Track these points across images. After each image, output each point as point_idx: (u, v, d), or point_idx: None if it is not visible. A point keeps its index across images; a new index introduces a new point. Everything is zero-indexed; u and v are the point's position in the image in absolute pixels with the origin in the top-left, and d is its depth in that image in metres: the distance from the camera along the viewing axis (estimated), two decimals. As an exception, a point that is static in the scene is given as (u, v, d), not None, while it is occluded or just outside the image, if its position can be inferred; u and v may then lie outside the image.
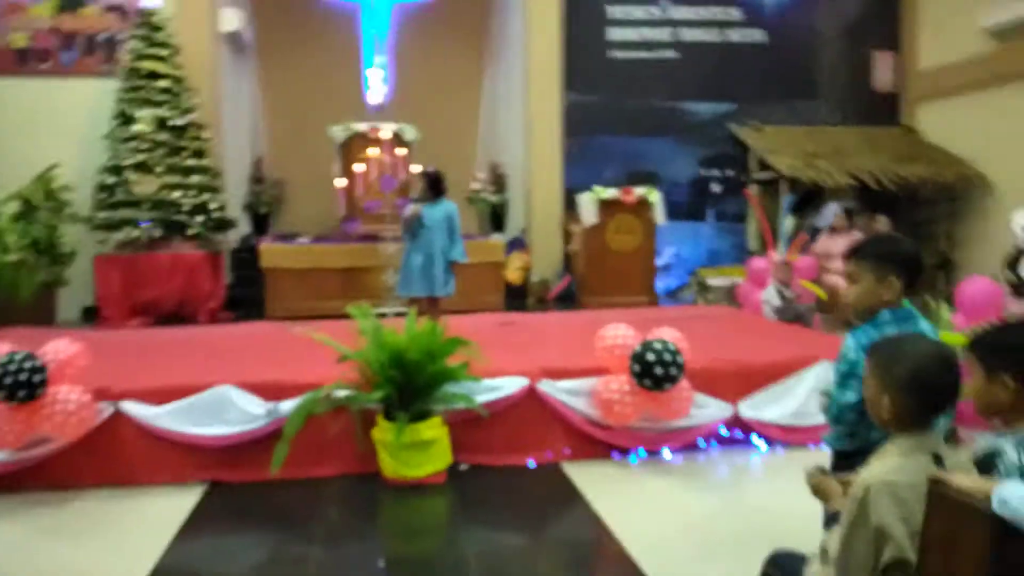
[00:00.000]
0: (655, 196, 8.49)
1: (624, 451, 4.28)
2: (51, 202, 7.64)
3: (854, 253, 2.21)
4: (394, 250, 6.10)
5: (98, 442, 3.94)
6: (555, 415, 4.27)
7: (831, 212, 8.31)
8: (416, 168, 8.35)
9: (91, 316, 8.27)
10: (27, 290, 7.03)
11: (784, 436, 4.41)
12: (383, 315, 7.11)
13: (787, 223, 7.23)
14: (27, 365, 3.70)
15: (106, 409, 3.98)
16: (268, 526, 3.50)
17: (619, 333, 4.26)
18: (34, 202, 7.42)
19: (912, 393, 1.62)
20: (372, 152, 8.59)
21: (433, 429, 3.88)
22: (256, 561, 3.16)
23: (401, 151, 8.79)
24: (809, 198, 9.15)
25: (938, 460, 1.59)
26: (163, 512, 3.57)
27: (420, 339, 3.90)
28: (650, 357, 3.99)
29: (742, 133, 9.90)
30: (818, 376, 4.50)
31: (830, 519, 1.76)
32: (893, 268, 2.13)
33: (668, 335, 4.19)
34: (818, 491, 1.87)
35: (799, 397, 4.45)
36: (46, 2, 8.58)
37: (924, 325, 2.15)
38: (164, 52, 8.09)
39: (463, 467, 4.11)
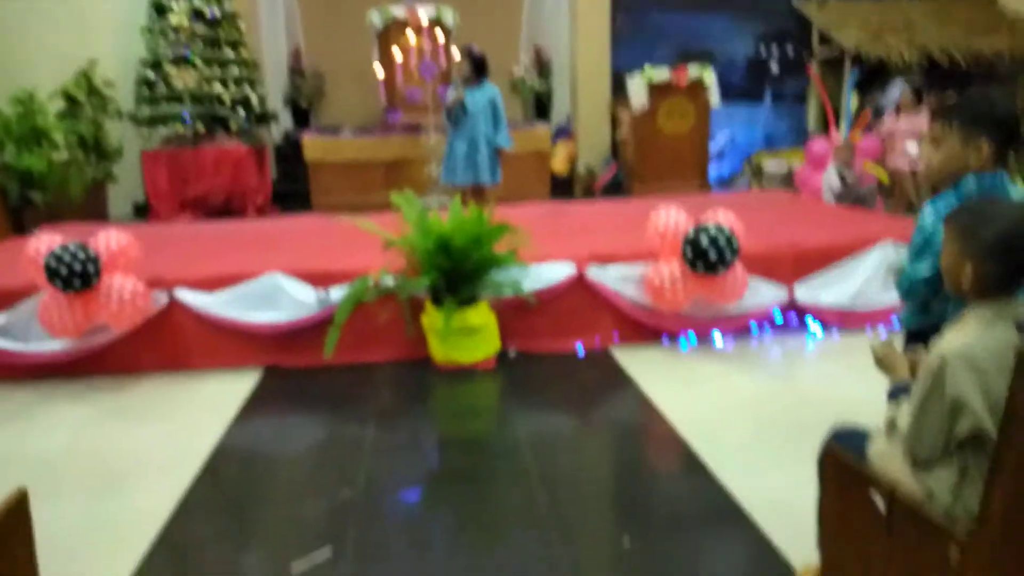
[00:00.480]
0: (709, 77, 8.04)
1: (674, 336, 4.22)
2: (94, 98, 7.60)
3: (940, 113, 2.00)
4: (436, 141, 5.95)
5: (156, 330, 4.04)
6: (604, 301, 4.21)
7: (897, 90, 7.78)
8: (457, 52, 8.06)
9: (142, 212, 8.40)
10: (77, 187, 7.12)
11: (841, 320, 4.29)
12: (428, 207, 7.06)
13: (850, 102, 6.80)
14: (80, 255, 3.74)
15: (161, 298, 4.05)
16: (323, 408, 3.57)
17: (671, 217, 4.11)
18: (78, 98, 7.40)
19: (997, 258, 1.48)
20: (411, 38, 8.27)
21: (481, 315, 3.86)
22: (312, 441, 3.24)
23: (441, 36, 8.44)
24: (874, 75, 8.58)
25: (1021, 329, 1.46)
26: (222, 395, 3.67)
27: (466, 225, 3.82)
28: (703, 241, 3.85)
29: (804, 7, 9.23)
30: (880, 258, 4.32)
31: (894, 392, 1.67)
32: (983, 131, 1.92)
33: (723, 218, 4.03)
34: (883, 362, 1.77)
35: (858, 280, 4.29)
36: None
37: (1016, 193, 1.97)
38: (197, -61, 7.79)
39: (512, 353, 4.11)
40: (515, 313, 4.11)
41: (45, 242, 3.87)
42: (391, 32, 8.62)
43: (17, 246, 4.60)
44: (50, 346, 3.89)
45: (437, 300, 3.84)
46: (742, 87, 9.55)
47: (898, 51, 8.42)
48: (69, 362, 3.93)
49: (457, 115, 5.23)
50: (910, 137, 7.42)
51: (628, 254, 4.28)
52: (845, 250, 4.39)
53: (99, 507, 2.69)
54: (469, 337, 3.83)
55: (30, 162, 6.69)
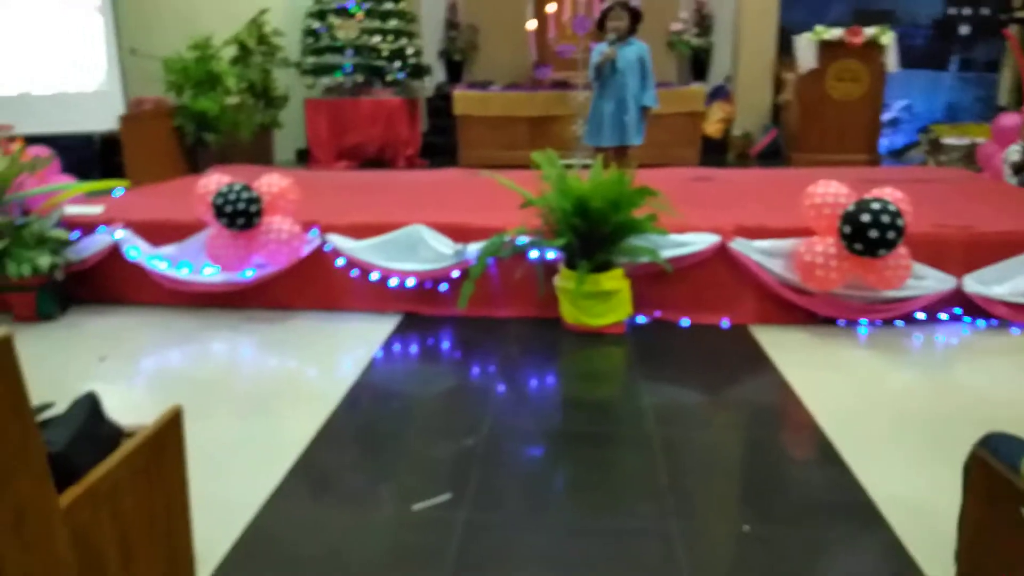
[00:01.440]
0: (888, 37, 7.36)
1: (823, 319, 3.97)
2: (264, 47, 8.06)
3: None
4: (585, 97, 5.85)
5: (309, 270, 4.29)
6: (748, 276, 4.01)
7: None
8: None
9: (303, 157, 8.90)
10: (247, 130, 7.63)
11: (1013, 315, 3.86)
12: (570, 166, 7.02)
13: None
14: (245, 196, 4.02)
15: (314, 240, 4.28)
16: (455, 357, 3.68)
17: (830, 190, 3.83)
18: (249, 46, 7.88)
19: None
20: (566, -9, 8.13)
21: (614, 280, 3.79)
22: (443, 387, 3.35)
23: (598, -11, 8.23)
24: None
25: None
26: (364, 336, 3.86)
27: (605, 187, 3.74)
28: (864, 218, 3.57)
29: (1007, -40, 8.23)
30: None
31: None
32: None
33: (889, 195, 3.71)
34: None
35: (1041, 274, 3.84)
36: None
37: None
38: None
39: (644, 321, 4.03)
40: (651, 280, 4.01)
41: (214, 181, 4.18)
42: (546, -16, 8.52)
43: (190, 184, 5.01)
44: (214, 278, 4.22)
45: (571, 263, 3.81)
46: (925, 51, 8.69)
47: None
48: (230, 294, 4.26)
49: (606, 72, 5.09)
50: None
51: (779, 228, 4.04)
52: (1026, 239, 3.93)
53: (248, 428, 2.92)
54: (601, 301, 3.79)
55: (205, 105, 7.23)
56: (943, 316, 3.95)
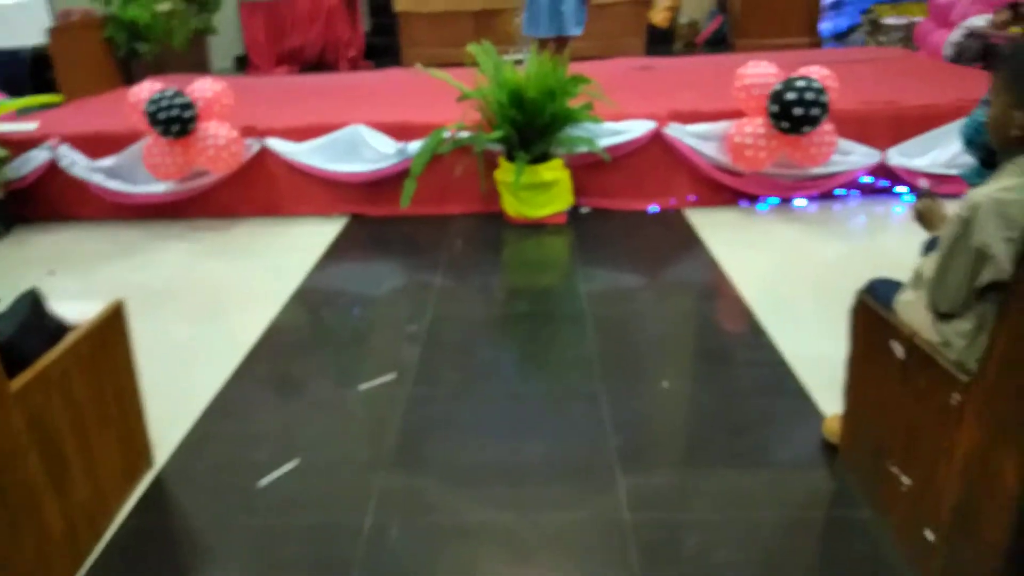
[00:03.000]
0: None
1: (754, 199, 4.13)
2: (194, -54, 7.68)
3: None
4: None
5: (250, 176, 4.30)
6: (682, 160, 4.13)
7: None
8: None
9: (242, 64, 8.63)
10: (180, 37, 7.36)
11: (934, 187, 4.05)
12: (517, 61, 6.94)
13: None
14: (178, 101, 3.96)
15: (253, 145, 4.27)
16: (399, 255, 3.78)
17: (759, 71, 3.91)
18: (176, -54, 7.49)
19: None
20: None
21: (554, 171, 3.88)
22: (389, 285, 3.46)
23: None
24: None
25: None
26: (309, 239, 3.93)
27: (540, 78, 3.77)
28: (790, 96, 3.67)
29: None
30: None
31: (929, 245, 1.64)
32: None
33: (815, 73, 3.80)
34: (923, 216, 1.74)
35: (958, 144, 4.00)
36: None
37: None
38: None
39: (584, 210, 4.15)
40: (589, 169, 4.11)
41: (146, 89, 4.11)
42: None
43: (125, 95, 4.89)
44: (155, 188, 4.22)
45: (511, 156, 3.88)
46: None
47: None
48: (173, 204, 4.27)
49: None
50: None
51: (713, 112, 4.14)
52: (949, 113, 4.08)
53: (199, 330, 3.02)
54: (541, 192, 3.88)
55: (135, 13, 6.94)
56: (872, 190, 4.13)
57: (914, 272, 1.63)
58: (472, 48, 4.16)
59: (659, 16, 8.71)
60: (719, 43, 8.34)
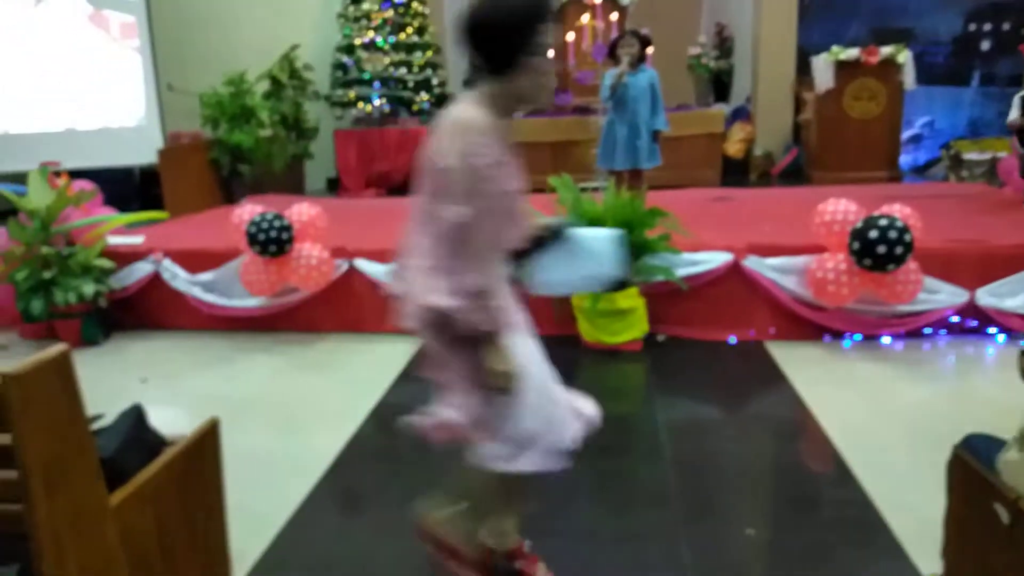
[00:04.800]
0: (904, 55, 7.41)
1: (837, 335, 4.04)
2: (295, 80, 8.38)
3: None
4: (603, 123, 6.01)
5: (336, 293, 4.48)
6: (761, 292, 4.11)
7: None
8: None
9: (334, 186, 9.17)
10: (280, 161, 7.92)
11: (1032, 329, 3.90)
12: (593, 189, 7.15)
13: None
14: (277, 224, 4.23)
15: (342, 265, 4.48)
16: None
17: (839, 208, 3.93)
18: (281, 81, 8.20)
19: None
20: (584, 19, 8.33)
21: (630, 299, 3.91)
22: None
23: (615, 15, 8.43)
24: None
25: None
26: (388, 356, 4.01)
27: (618, 209, 3.88)
28: (872, 234, 3.66)
29: (1026, -25, 8.26)
30: None
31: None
32: None
33: (897, 211, 3.79)
34: None
35: (1055, 286, 3.87)
36: None
37: None
38: (391, -68, 8.31)
39: (661, 338, 4.14)
40: (666, 298, 4.13)
41: (248, 211, 4.41)
42: (567, 11, 8.72)
43: (226, 213, 5.25)
44: (249, 302, 4.43)
45: (588, 281, 3.94)
46: (946, 68, 8.71)
47: None
48: (263, 318, 4.47)
49: (620, 95, 5.25)
50: None
51: (792, 246, 4.14)
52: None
53: (279, 443, 3.09)
54: (617, 320, 3.91)
55: (240, 138, 7.53)
56: (961, 330, 3.99)
57: (1019, 430, 1.55)
58: (553, 180, 4.32)
59: (734, 147, 8.90)
60: (794, 175, 8.42)
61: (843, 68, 7.50)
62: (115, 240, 4.79)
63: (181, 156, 7.49)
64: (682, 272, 4.05)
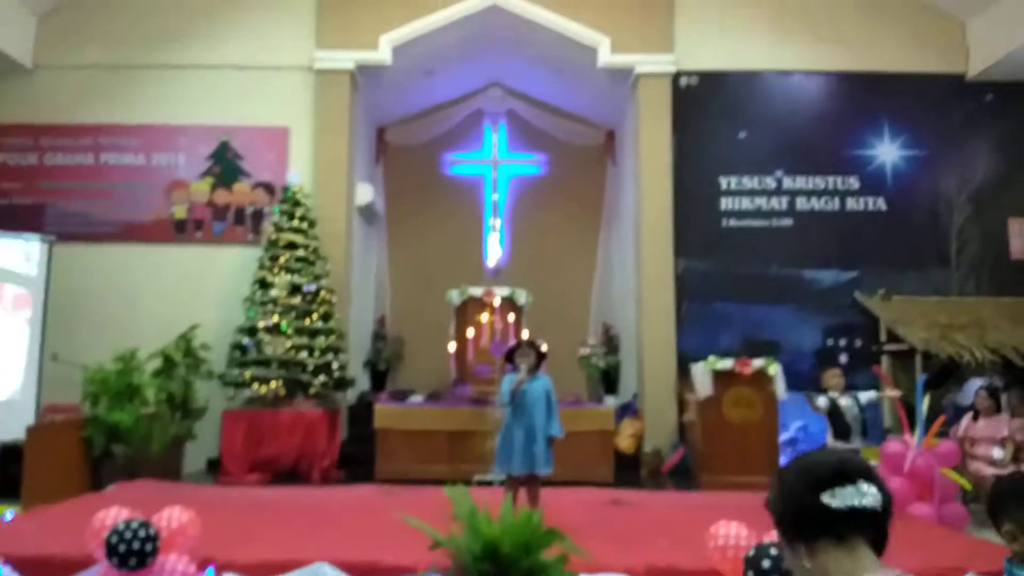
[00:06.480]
0: (774, 368, 8.12)
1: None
2: (189, 359, 8.22)
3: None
4: (501, 415, 6.12)
5: (196, 615, 3.98)
6: (662, 620, 3.95)
7: (973, 391, 7.65)
8: (525, 334, 8.51)
9: (214, 467, 8.63)
10: (159, 443, 7.46)
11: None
12: (488, 482, 7.03)
13: (921, 405, 6.68)
14: (141, 534, 3.84)
15: (208, 581, 4.04)
16: None
17: (731, 532, 3.96)
18: (174, 359, 8.03)
19: None
20: (484, 317, 8.83)
21: (527, 630, 3.65)
22: None
23: (511, 316, 8.99)
24: (947, 374, 8.50)
25: None
26: None
27: (515, 530, 3.76)
28: (765, 564, 3.65)
29: (869, 303, 9.50)
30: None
31: None
32: None
33: (785, 538, 3.85)
34: None
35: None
36: (205, 179, 9.73)
37: None
38: (303, 224, 8.87)
39: (558, 673, 3.81)
40: (564, 626, 3.88)
41: (112, 515, 4.01)
42: (468, 308, 9.26)
43: (88, 505, 4.77)
44: (92, 626, 3.86)
45: (482, 609, 3.69)
46: (812, 376, 9.54)
47: (969, 350, 8.40)
48: (107, 644, 3.87)
49: (520, 401, 5.40)
50: (990, 441, 7.15)
51: (690, 567, 4.09)
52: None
53: None
54: (512, 654, 3.60)
55: (119, 417, 7.14)
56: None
57: None
58: (448, 491, 4.21)
59: (625, 442, 9.14)
60: (683, 473, 8.62)
61: (720, 377, 8.10)
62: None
63: (50, 433, 6.99)
64: (580, 597, 3.87)
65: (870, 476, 1.46)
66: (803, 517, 1.46)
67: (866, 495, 1.43)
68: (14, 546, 4.27)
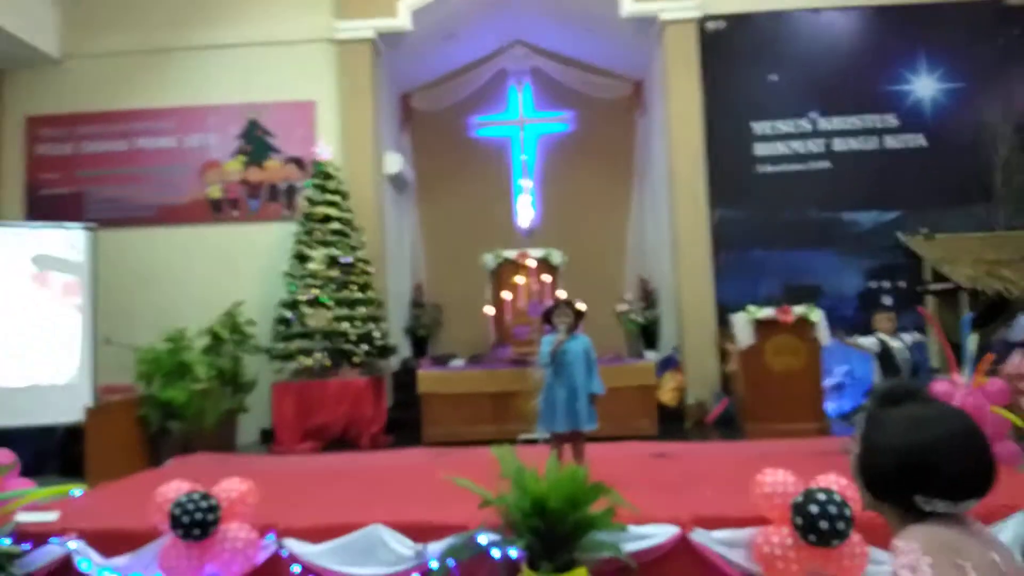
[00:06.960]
0: (816, 315, 8.01)
1: (791, 610, 3.89)
2: (236, 335, 8.43)
3: None
4: (542, 374, 6.19)
5: (263, 576, 4.15)
6: (711, 567, 3.99)
7: (1022, 327, 7.47)
8: (562, 294, 8.51)
9: (268, 438, 8.90)
10: (212, 417, 7.71)
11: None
12: (533, 441, 7.13)
13: (967, 343, 6.55)
14: (203, 504, 4.00)
15: (270, 546, 4.20)
16: None
17: (778, 479, 3.97)
18: (222, 336, 8.24)
19: None
20: (519, 279, 8.85)
21: (578, 580, 3.74)
22: None
23: (547, 276, 9.00)
24: (995, 311, 8.30)
25: None
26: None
27: (562, 485, 3.83)
28: (813, 509, 3.67)
29: (911, 243, 9.28)
30: (1017, 531, 3.94)
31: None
32: None
33: (834, 482, 3.85)
34: None
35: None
36: (237, 158, 9.84)
37: None
38: (336, 197, 8.94)
39: (612, 616, 3.91)
40: (616, 575, 3.96)
41: (173, 489, 4.18)
42: (503, 271, 9.28)
43: (150, 480, 4.97)
44: (163, 591, 4.06)
45: (534, 564, 3.78)
46: (856, 320, 9.39)
47: (1017, 285, 8.19)
48: (179, 610, 4.06)
49: (560, 360, 5.44)
50: (1043, 377, 6.99)
51: (736, 515, 4.11)
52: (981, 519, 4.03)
53: None
54: (565, 603, 3.70)
55: (172, 395, 7.37)
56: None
57: None
58: (495, 450, 4.29)
59: (667, 395, 9.15)
60: (728, 423, 8.61)
61: (761, 326, 8.02)
62: (27, 517, 4.42)
63: (108, 414, 7.23)
64: (629, 547, 3.93)
65: None
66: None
67: None
68: (85, 521, 4.47)
